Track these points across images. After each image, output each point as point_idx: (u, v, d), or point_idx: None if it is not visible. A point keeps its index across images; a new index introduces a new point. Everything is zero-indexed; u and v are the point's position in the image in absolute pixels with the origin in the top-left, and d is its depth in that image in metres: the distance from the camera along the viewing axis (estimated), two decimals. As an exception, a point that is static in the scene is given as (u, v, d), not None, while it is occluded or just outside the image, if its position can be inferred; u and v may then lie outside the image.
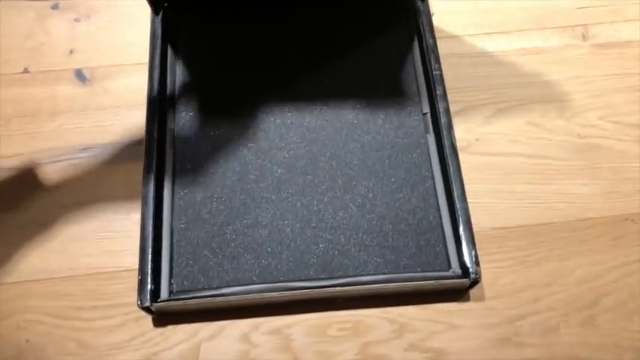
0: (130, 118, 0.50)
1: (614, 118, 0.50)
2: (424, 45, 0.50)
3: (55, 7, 0.55)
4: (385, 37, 0.51)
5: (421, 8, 0.52)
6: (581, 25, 0.55)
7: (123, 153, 0.48)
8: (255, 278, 0.42)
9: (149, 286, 0.40)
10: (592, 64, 0.53)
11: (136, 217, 0.44)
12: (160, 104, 0.47)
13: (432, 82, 0.48)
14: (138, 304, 0.40)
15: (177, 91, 0.48)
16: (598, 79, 0.52)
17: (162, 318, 0.42)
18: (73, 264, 0.44)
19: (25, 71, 0.52)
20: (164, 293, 0.41)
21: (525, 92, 0.52)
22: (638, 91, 0.52)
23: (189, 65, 0.49)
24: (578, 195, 0.47)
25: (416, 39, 0.51)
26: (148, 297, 0.40)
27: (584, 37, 0.55)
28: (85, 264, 0.44)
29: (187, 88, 0.48)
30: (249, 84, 0.49)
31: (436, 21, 0.53)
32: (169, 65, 0.49)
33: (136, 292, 0.41)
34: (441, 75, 0.49)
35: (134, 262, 0.42)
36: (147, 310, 0.40)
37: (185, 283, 0.41)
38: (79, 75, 0.52)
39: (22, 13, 0.55)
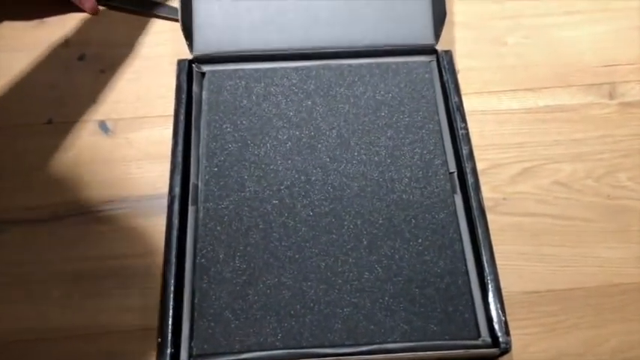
0: (153, 171, 0.49)
1: (644, 180, 0.50)
2: (450, 103, 0.50)
3: (81, 57, 0.56)
4: (410, 94, 0.51)
5: (447, 66, 0.51)
6: (608, 84, 0.55)
7: (145, 207, 0.48)
8: (277, 343, 0.40)
9: (169, 350, 0.39)
10: (620, 123, 0.53)
11: (156, 272, 0.43)
12: (183, 159, 0.47)
13: (458, 142, 0.48)
14: (156, 369, 0.39)
15: (201, 146, 0.48)
16: (627, 139, 0.52)
17: (181, 383, 0.41)
18: (90, 322, 0.43)
19: (49, 122, 0.52)
20: (184, 357, 0.40)
21: (552, 151, 0.51)
22: (667, 151, 0.51)
23: (213, 120, 0.49)
24: (609, 259, 0.46)
25: (442, 97, 0.51)
26: (168, 361, 0.39)
27: (611, 96, 0.54)
28: (102, 322, 0.43)
29: (212, 144, 0.48)
30: (273, 139, 0.48)
31: (460, 77, 0.53)
32: (194, 119, 0.49)
33: (154, 355, 0.39)
34: (468, 134, 0.48)
35: (153, 320, 0.41)
36: (165, 374, 0.39)
37: (206, 346, 0.40)
38: (103, 126, 0.52)
39: (49, 63, 0.55)
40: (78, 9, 0.57)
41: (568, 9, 0.60)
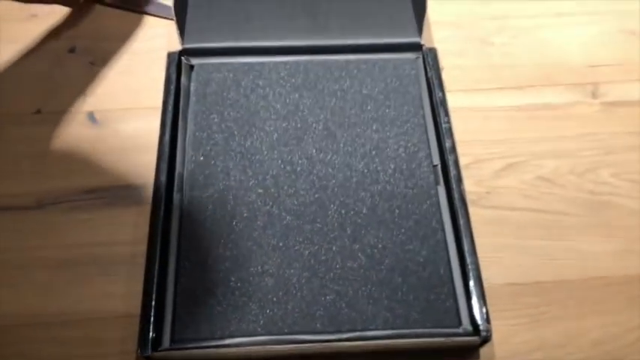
0: (139, 161, 0.49)
1: (626, 176, 0.50)
2: (434, 98, 0.50)
3: (72, 50, 0.56)
4: (396, 89, 0.51)
5: (431, 63, 0.52)
6: (592, 83, 0.55)
7: (130, 196, 0.48)
8: (259, 329, 0.40)
9: (151, 334, 0.39)
10: (603, 122, 0.53)
11: (140, 261, 0.43)
12: (170, 148, 0.47)
13: (441, 135, 0.48)
14: (138, 353, 0.39)
15: (187, 136, 0.48)
16: (609, 137, 0.52)
17: (162, 368, 0.41)
18: (72, 308, 0.43)
19: (38, 112, 0.52)
20: (166, 342, 0.40)
21: (536, 147, 0.52)
22: (649, 149, 0.52)
23: (200, 111, 0.50)
24: (592, 253, 0.46)
25: (427, 92, 0.51)
26: (149, 345, 0.38)
27: (595, 95, 0.55)
28: (85, 309, 0.43)
29: (198, 134, 0.48)
30: (260, 130, 0.49)
31: (447, 75, 0.54)
32: (181, 110, 0.49)
33: (136, 340, 0.39)
34: (450, 128, 0.49)
35: (136, 307, 0.41)
36: (147, 359, 0.39)
37: (188, 331, 0.40)
38: (91, 117, 0.52)
39: (39, 54, 0.56)
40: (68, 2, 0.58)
41: (555, 11, 0.61)
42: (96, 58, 0.56)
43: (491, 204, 0.48)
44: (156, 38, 0.57)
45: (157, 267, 0.41)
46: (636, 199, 0.49)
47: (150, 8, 0.59)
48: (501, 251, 0.46)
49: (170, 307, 0.41)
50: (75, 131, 0.51)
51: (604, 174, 0.50)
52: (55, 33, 0.57)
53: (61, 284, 0.44)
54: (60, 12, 0.58)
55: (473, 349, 0.42)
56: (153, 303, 0.40)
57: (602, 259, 0.46)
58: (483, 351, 0.42)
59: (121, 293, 0.44)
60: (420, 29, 0.53)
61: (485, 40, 0.58)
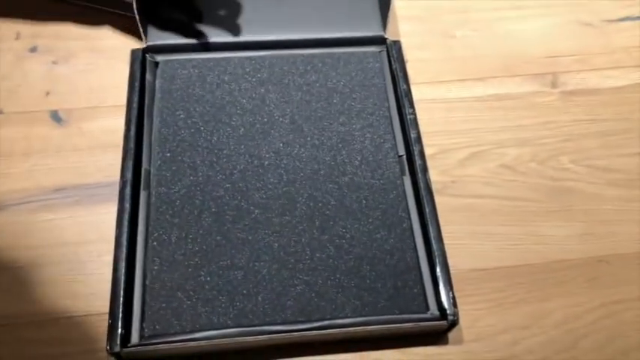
0: (105, 160, 0.49)
1: (585, 162, 0.52)
2: (398, 90, 0.51)
3: (33, 49, 0.55)
4: (361, 82, 0.52)
5: (395, 56, 0.53)
6: (551, 73, 0.57)
7: (96, 194, 0.47)
8: (229, 322, 0.40)
9: (119, 331, 0.39)
10: (561, 110, 0.55)
11: (107, 259, 0.43)
12: (135, 145, 0.47)
13: (407, 126, 0.49)
14: (107, 350, 0.38)
15: (153, 133, 0.48)
16: (568, 125, 0.54)
17: (133, 364, 0.40)
18: (39, 308, 0.43)
19: (0, 112, 0.51)
20: (135, 338, 0.39)
21: (498, 136, 0.53)
22: (607, 136, 0.53)
23: (166, 107, 0.49)
24: (554, 237, 0.48)
25: (391, 85, 0.52)
26: (118, 342, 0.38)
27: (554, 85, 0.56)
28: (52, 308, 0.43)
29: (164, 130, 0.48)
30: (226, 126, 0.49)
31: (411, 68, 0.55)
32: (147, 107, 0.49)
33: (105, 338, 0.39)
34: (415, 119, 0.50)
35: (105, 305, 0.40)
36: (116, 356, 0.39)
37: (157, 327, 0.40)
38: (55, 116, 0.51)
39: (0, 55, 0.55)
40: None
41: (514, 4, 0.62)
42: (58, 57, 0.55)
43: (456, 192, 0.49)
44: (119, 36, 0.57)
45: (124, 264, 0.41)
46: (595, 184, 0.51)
47: (111, 5, 0.58)
48: (466, 238, 0.47)
49: (139, 304, 0.41)
50: (39, 131, 0.51)
51: (564, 160, 0.52)
52: (15, 32, 0.56)
53: (27, 285, 0.43)
54: (19, 10, 0.57)
55: (441, 334, 0.43)
56: (121, 300, 0.40)
57: (564, 242, 0.48)
58: (451, 335, 0.43)
59: (88, 292, 0.43)
60: (384, 23, 0.54)
61: (448, 33, 0.60)
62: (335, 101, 0.51)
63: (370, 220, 0.45)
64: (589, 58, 0.58)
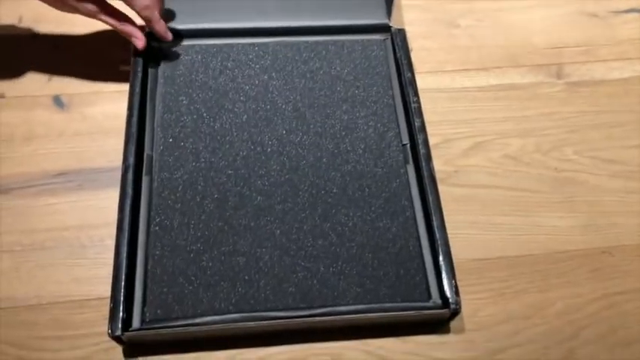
0: (107, 145, 0.49)
1: (589, 153, 0.51)
2: (403, 79, 0.51)
3: (34, 36, 0.55)
4: (365, 70, 0.52)
5: (400, 44, 0.53)
6: (556, 64, 0.57)
7: (98, 179, 0.47)
8: (231, 308, 0.40)
9: (121, 315, 0.39)
10: (566, 101, 0.55)
11: (110, 243, 0.43)
12: (138, 130, 0.46)
13: (410, 115, 0.49)
14: (108, 333, 0.38)
15: (156, 118, 0.48)
16: (572, 116, 0.54)
17: (134, 348, 0.40)
18: (40, 292, 0.43)
19: (2, 96, 0.51)
20: (136, 322, 0.39)
21: (502, 127, 0.53)
22: (611, 127, 0.53)
23: (169, 93, 0.49)
24: (557, 227, 0.48)
25: (395, 73, 0.52)
26: (120, 326, 0.38)
27: (559, 76, 0.56)
28: (53, 292, 0.43)
29: (167, 116, 0.48)
30: (229, 112, 0.49)
31: (415, 57, 0.54)
32: (149, 92, 0.49)
33: (106, 321, 0.39)
34: (420, 107, 0.49)
35: (106, 290, 0.40)
36: (117, 339, 0.39)
37: (159, 312, 0.40)
38: (57, 101, 0.51)
39: (1, 40, 0.54)
40: None
41: (519, -6, 0.62)
42: (59, 42, 0.54)
43: (459, 182, 0.49)
44: (122, 21, 0.56)
45: (126, 249, 0.41)
46: (598, 175, 0.50)
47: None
48: (469, 228, 0.47)
49: (140, 288, 0.41)
50: (41, 115, 0.50)
51: (568, 151, 0.52)
52: (17, 17, 0.56)
53: (29, 268, 0.43)
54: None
55: (443, 322, 0.43)
56: (123, 284, 0.40)
57: (566, 233, 0.48)
58: (453, 324, 0.43)
59: (89, 276, 0.43)
60: (388, 11, 0.54)
61: (452, 23, 0.59)
62: (339, 89, 0.51)
63: (373, 209, 0.45)
64: (594, 49, 0.58)
